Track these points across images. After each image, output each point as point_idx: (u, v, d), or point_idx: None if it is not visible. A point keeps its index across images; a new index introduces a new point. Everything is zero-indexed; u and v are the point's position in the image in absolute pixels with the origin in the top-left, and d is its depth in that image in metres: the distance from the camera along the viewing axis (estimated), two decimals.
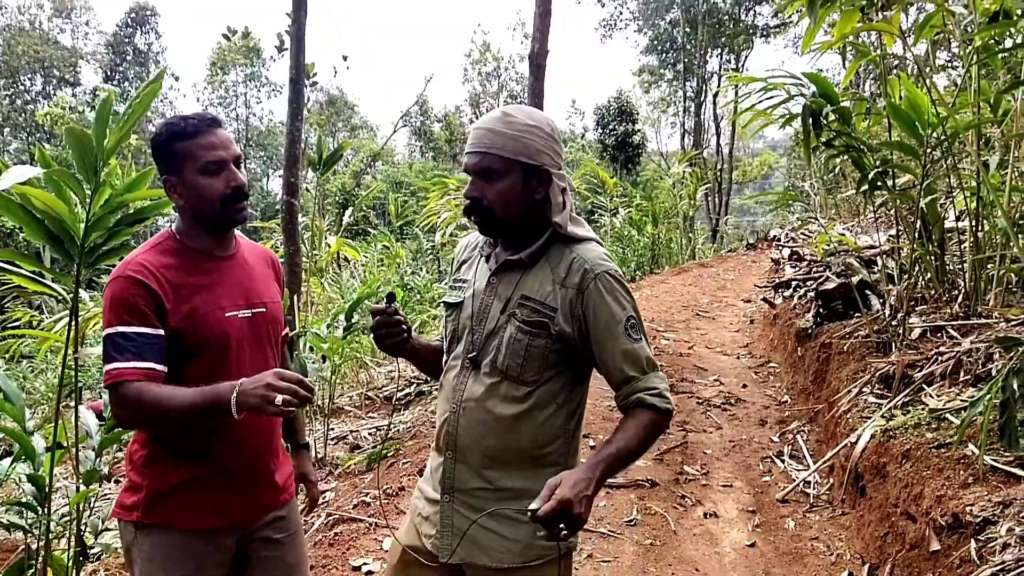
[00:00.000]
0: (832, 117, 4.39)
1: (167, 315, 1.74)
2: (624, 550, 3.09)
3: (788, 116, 4.90)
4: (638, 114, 23.75)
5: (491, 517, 1.62)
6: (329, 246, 7.73)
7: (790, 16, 25.31)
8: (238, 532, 1.88)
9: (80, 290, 2.62)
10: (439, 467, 1.71)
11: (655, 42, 26.04)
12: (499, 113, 1.61)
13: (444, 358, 1.78)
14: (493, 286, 1.68)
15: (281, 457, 2.01)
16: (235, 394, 1.62)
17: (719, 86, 26.15)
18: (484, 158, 1.58)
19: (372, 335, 1.67)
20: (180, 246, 1.82)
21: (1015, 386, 2.44)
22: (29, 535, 2.98)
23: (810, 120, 4.34)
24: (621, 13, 25.36)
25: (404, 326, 1.68)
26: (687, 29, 23.99)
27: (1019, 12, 3.89)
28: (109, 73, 28.98)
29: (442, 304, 1.83)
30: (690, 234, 16.26)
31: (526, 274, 1.64)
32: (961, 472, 2.59)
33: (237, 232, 1.97)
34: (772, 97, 4.72)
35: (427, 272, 12.75)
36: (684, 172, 14.86)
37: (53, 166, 2.43)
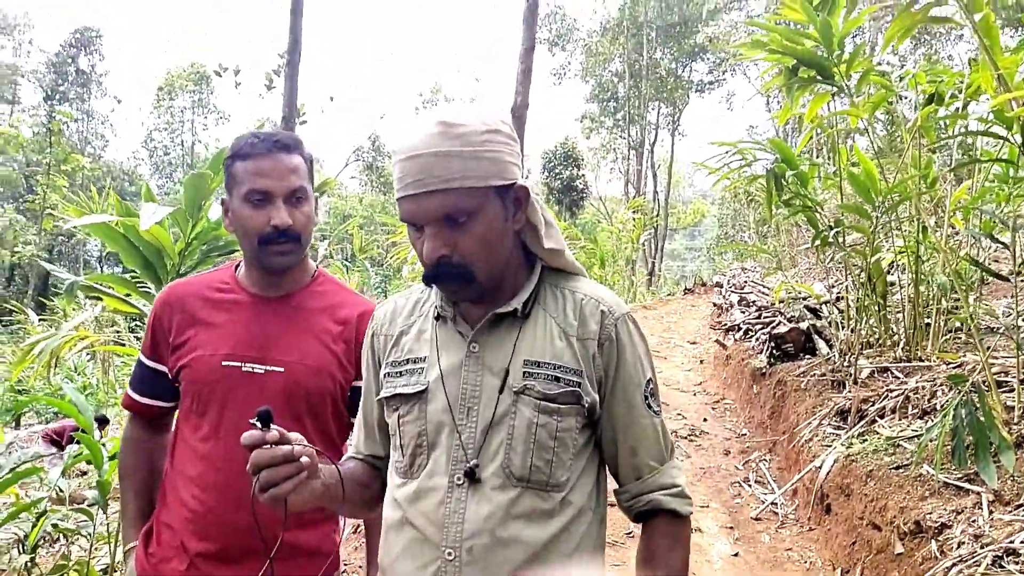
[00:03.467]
0: (792, 180, 5.00)
1: (170, 349, 1.61)
2: (629, 556, 3.48)
3: (753, 176, 5.52)
4: (583, 160, 24.72)
5: None
6: None
7: (723, 75, 26.92)
8: None
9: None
10: None
11: (597, 91, 27.20)
12: (435, 127, 1.10)
13: (399, 481, 1.24)
14: (476, 356, 1.20)
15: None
16: (126, 549, 1.66)
17: (656, 137, 27.48)
18: (446, 197, 1.09)
19: (255, 485, 1.03)
20: (232, 277, 1.66)
21: (963, 415, 2.97)
22: (81, 538, 3.18)
23: (773, 182, 4.94)
24: (570, 64, 26.45)
25: (302, 459, 1.04)
26: (630, 81, 25.16)
27: (949, 95, 4.59)
28: (50, 92, 28.46)
29: (383, 404, 1.29)
30: (632, 277, 17.01)
31: (523, 330, 1.19)
32: (919, 487, 3.09)
33: (333, 279, 1.74)
34: (739, 159, 5.33)
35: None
36: (630, 217, 15.60)
37: (157, 202, 2.74)
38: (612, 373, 1.21)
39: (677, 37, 23.80)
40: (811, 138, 5.58)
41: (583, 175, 24.17)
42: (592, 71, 26.30)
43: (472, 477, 1.15)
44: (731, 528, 3.96)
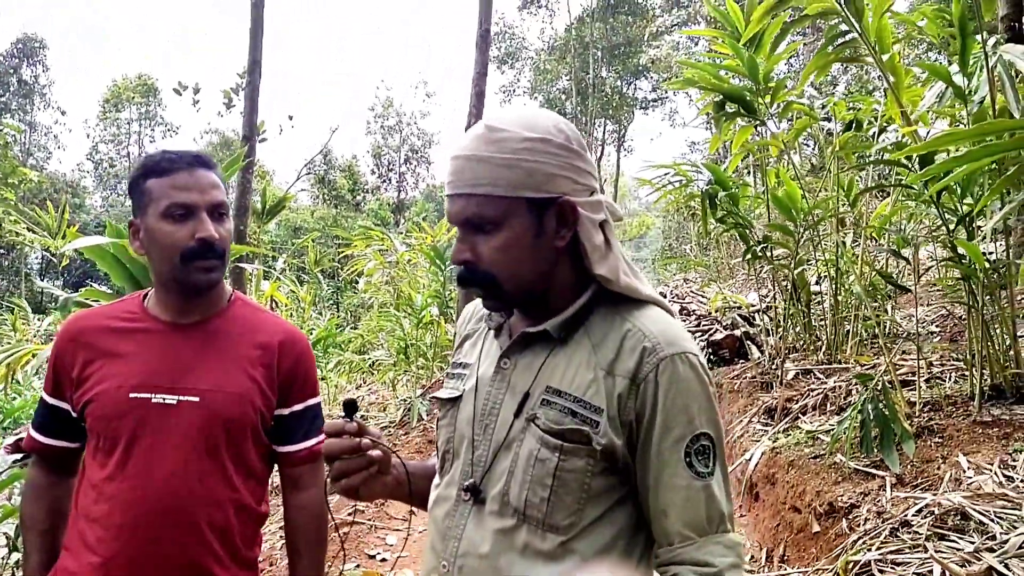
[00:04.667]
0: (724, 199, 5.44)
1: (74, 385, 1.52)
2: None
3: (689, 195, 5.95)
4: None
5: None
6: (263, 291, 8.16)
7: (666, 93, 27.77)
8: None
9: None
10: None
11: (545, 107, 27.82)
12: (482, 129, 1.09)
13: (436, 482, 1.25)
14: (504, 373, 1.17)
15: None
16: None
17: (602, 152, 28.17)
18: (469, 202, 1.08)
19: (329, 473, 1.10)
20: (139, 307, 1.57)
21: (870, 410, 3.39)
22: None
23: (707, 201, 5.37)
24: (519, 81, 27.01)
25: (375, 452, 1.11)
26: (577, 99, 25.81)
27: (867, 122, 5.08)
28: None
29: (435, 403, 1.34)
30: None
31: (555, 354, 1.13)
32: (833, 474, 3.49)
33: (251, 301, 1.68)
34: (678, 179, 5.76)
35: (328, 317, 13.26)
36: None
37: None
38: (645, 419, 1.07)
39: (622, 57, 24.54)
40: (741, 160, 6.03)
41: None
42: (540, 88, 26.91)
43: (476, 495, 1.12)
44: None
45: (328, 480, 1.09)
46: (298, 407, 1.60)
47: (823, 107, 5.75)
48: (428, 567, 1.17)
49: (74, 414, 1.52)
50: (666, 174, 5.79)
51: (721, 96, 4.13)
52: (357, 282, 9.95)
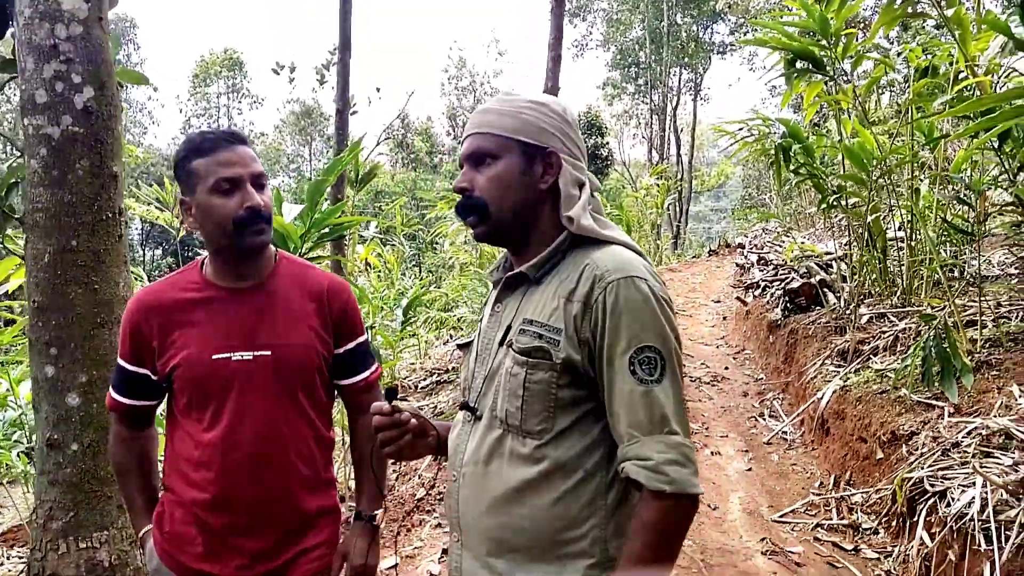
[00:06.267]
0: (798, 152, 5.64)
1: (155, 353, 1.69)
2: None
3: (762, 149, 6.15)
4: (607, 128, 25.19)
5: None
6: (357, 254, 8.76)
7: (746, 35, 27.04)
8: None
9: None
10: (451, 552, 1.43)
11: (619, 58, 27.54)
12: (500, 94, 1.39)
13: None
14: (497, 315, 1.40)
15: (297, 518, 1.73)
16: (140, 535, 1.78)
17: (678, 101, 27.79)
18: (474, 139, 1.34)
19: (376, 441, 1.39)
20: (200, 276, 1.73)
21: (932, 347, 3.65)
22: None
23: (781, 154, 5.58)
24: (591, 34, 26.79)
25: (413, 422, 1.39)
26: (651, 47, 25.48)
27: (942, 68, 5.18)
28: None
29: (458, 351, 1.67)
30: (657, 241, 17.59)
31: (531, 292, 1.34)
32: (897, 406, 3.79)
33: (295, 259, 1.86)
34: (751, 134, 5.98)
35: (412, 278, 13.89)
36: (653, 183, 16.17)
37: (283, 199, 3.48)
38: (598, 335, 1.24)
39: (697, 1, 24.06)
40: (816, 112, 6.16)
41: (607, 143, 24.65)
42: (613, 39, 26.65)
43: (474, 413, 1.36)
44: (746, 451, 4.69)
45: (377, 446, 1.39)
46: (350, 345, 1.82)
47: (899, 54, 5.82)
48: (449, 479, 1.42)
49: (154, 378, 1.72)
50: (740, 128, 6.01)
51: (792, 54, 4.34)
52: (435, 243, 10.43)
